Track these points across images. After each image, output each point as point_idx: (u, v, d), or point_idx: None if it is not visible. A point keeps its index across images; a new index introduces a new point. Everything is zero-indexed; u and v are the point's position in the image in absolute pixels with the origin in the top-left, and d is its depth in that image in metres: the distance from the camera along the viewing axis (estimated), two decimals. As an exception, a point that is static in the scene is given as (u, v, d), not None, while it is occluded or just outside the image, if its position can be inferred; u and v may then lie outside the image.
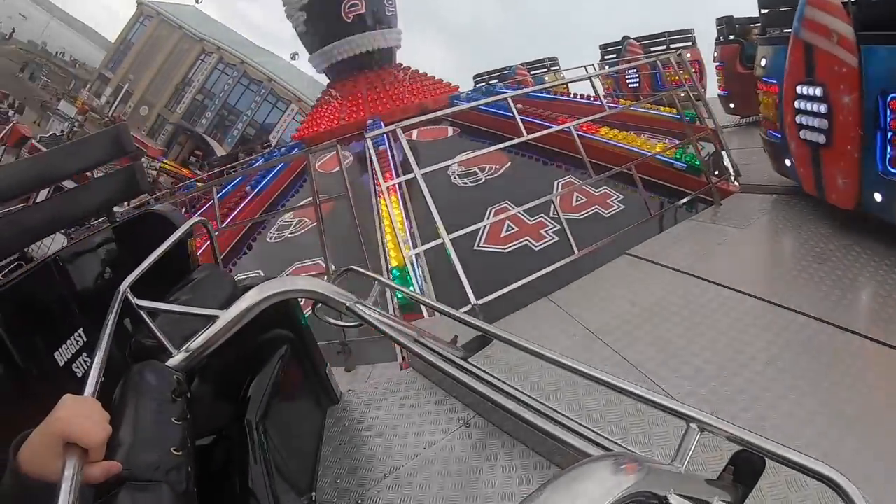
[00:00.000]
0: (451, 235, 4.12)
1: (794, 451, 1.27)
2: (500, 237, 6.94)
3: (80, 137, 2.71)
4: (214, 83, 42.16)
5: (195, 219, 2.47)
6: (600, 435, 1.96)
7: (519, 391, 2.04)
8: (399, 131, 4.40)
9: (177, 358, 1.80)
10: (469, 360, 2.38)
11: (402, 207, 7.69)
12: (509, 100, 4.94)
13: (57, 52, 45.56)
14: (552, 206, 4.98)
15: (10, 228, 2.36)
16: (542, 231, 6.70)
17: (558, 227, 5.69)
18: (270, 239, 9.63)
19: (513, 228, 6.98)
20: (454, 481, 2.28)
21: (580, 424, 2.01)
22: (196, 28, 41.78)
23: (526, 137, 4.71)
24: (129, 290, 1.92)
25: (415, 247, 6.55)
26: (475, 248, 6.71)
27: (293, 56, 38.53)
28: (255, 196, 11.63)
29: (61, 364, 2.34)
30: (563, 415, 2.03)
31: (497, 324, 3.91)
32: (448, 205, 7.05)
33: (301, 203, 9.25)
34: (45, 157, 2.61)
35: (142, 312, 1.87)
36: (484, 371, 2.17)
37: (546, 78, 17.98)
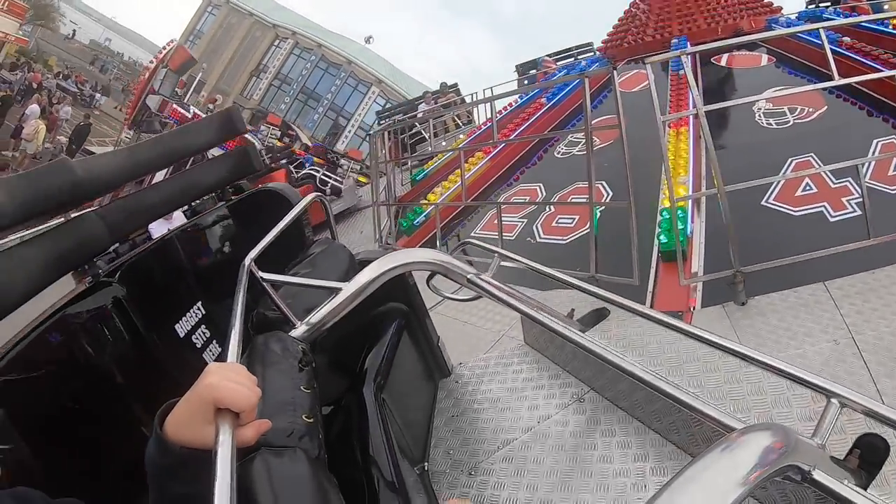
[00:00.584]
0: (730, 187, 3.79)
1: None
2: (793, 196, 5.98)
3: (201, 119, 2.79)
4: (291, 68, 42.06)
5: (312, 195, 2.51)
6: (725, 413, 1.90)
7: (636, 365, 1.99)
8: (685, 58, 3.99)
9: (299, 330, 1.84)
10: (586, 333, 2.34)
11: (691, 143, 7.22)
12: (821, 30, 4.34)
13: (118, 52, 47.02)
14: (862, 170, 4.30)
15: (133, 207, 2.47)
16: (844, 199, 5.60)
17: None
18: (559, 154, 9.55)
19: (811, 188, 5.97)
20: (568, 456, 2.25)
21: (702, 402, 1.95)
22: (267, 14, 41.77)
23: (837, 82, 4.20)
24: (253, 263, 1.96)
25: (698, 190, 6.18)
26: (762, 202, 5.94)
27: (368, 39, 38.43)
28: (551, 108, 11.61)
29: (181, 336, 2.45)
30: (683, 390, 1.97)
31: (755, 300, 3.69)
32: (745, 146, 6.56)
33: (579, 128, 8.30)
34: (164, 140, 2.71)
35: (266, 285, 1.91)
36: (599, 346, 2.14)
37: (886, 7, 13.40)
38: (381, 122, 19.13)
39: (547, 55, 19.12)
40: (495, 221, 7.02)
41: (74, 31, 43.77)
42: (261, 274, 1.93)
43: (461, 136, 15.89)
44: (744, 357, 1.54)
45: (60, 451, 1.62)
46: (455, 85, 23.28)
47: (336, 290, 1.89)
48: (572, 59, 18.38)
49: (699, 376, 2.25)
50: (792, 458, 0.99)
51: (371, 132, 8.93)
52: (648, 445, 2.17)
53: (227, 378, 1.00)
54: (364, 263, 2.10)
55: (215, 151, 2.81)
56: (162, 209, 2.56)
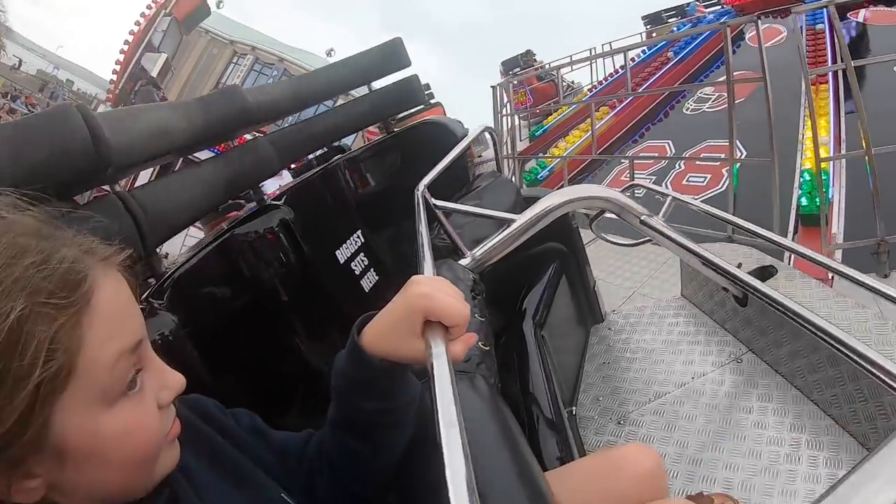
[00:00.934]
0: (879, 149, 3.67)
1: None
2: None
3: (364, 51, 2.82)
4: (254, 83, 40.08)
5: (482, 126, 2.47)
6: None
7: (825, 321, 1.87)
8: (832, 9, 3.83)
9: (466, 260, 1.82)
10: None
11: (831, 103, 6.89)
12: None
13: (67, 80, 47.21)
14: None
15: (300, 135, 2.52)
16: None
17: None
18: (687, 110, 9.37)
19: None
20: (722, 416, 2.17)
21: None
22: (223, 31, 40.15)
23: None
24: (426, 191, 1.95)
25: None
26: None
27: (329, 52, 37.54)
28: (679, 62, 11.36)
29: (341, 262, 2.48)
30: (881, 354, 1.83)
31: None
32: (886, 108, 6.22)
33: (720, 80, 7.77)
34: (328, 72, 2.74)
35: (438, 213, 1.90)
36: (767, 302, 2.02)
37: None
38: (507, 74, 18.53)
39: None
40: (623, 177, 6.80)
41: (20, 61, 44.35)
42: (433, 201, 1.91)
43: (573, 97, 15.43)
44: None
45: (225, 364, 1.65)
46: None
47: (508, 222, 1.85)
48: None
49: (886, 335, 2.11)
50: None
51: (495, 84, 8.64)
52: (805, 417, 2.06)
53: (439, 289, 0.93)
54: (529, 200, 2.05)
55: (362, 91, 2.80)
56: (327, 138, 2.61)
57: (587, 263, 2.74)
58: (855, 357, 1.38)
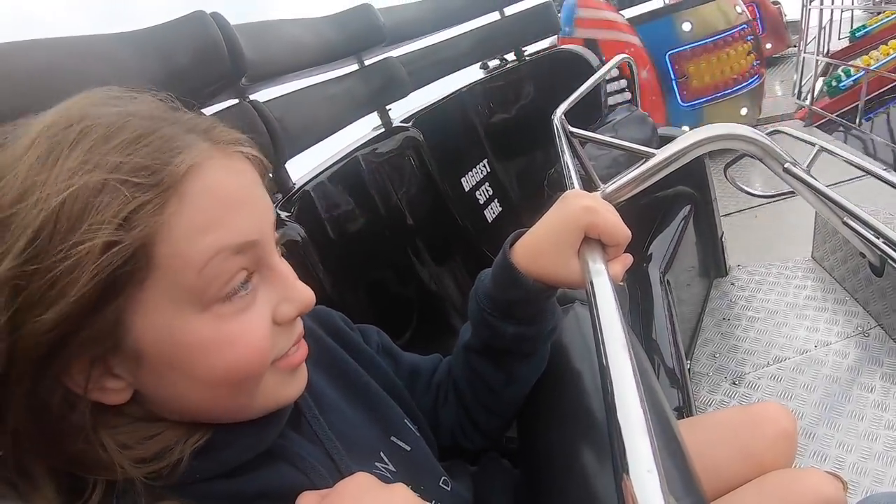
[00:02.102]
0: None
1: None
2: None
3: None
4: None
5: (621, 56, 2.37)
6: None
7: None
8: None
9: (598, 193, 1.73)
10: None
11: None
12: None
13: None
14: None
15: (432, 58, 2.53)
16: None
17: None
18: None
19: None
20: (842, 391, 2.06)
21: None
22: None
23: None
24: (563, 117, 1.89)
25: None
26: None
27: None
28: None
29: (466, 190, 2.47)
30: None
31: None
32: None
33: None
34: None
35: (575, 141, 1.83)
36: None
37: None
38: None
39: None
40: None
41: None
42: (571, 129, 1.84)
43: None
44: None
45: (348, 281, 1.67)
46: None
47: (645, 158, 1.77)
48: None
49: None
50: None
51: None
52: (931, 404, 1.94)
53: (605, 208, 0.86)
54: (665, 139, 1.96)
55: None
56: (460, 62, 2.58)
57: (717, 212, 2.64)
58: None
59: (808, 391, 2.09)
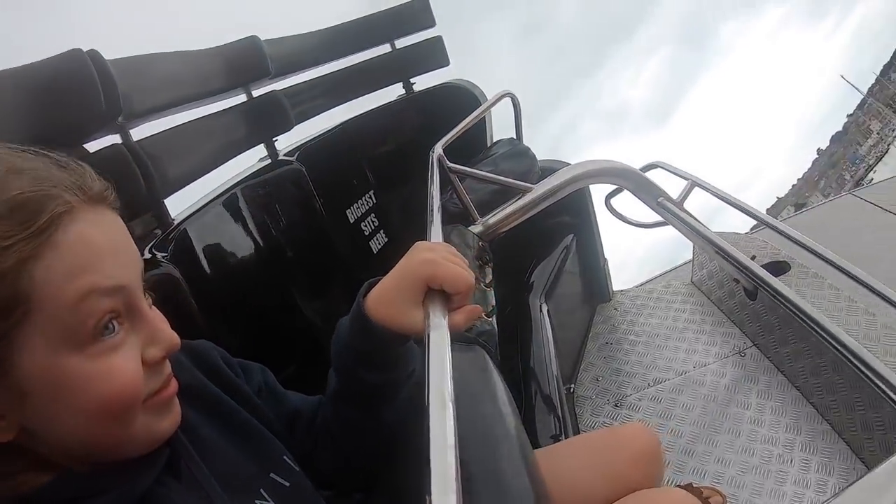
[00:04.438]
0: None
1: None
2: None
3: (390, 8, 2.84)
4: None
5: (504, 92, 2.47)
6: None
7: (834, 325, 1.88)
8: None
9: (477, 227, 1.82)
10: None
11: None
12: None
13: None
14: None
15: (317, 90, 2.55)
16: None
17: None
18: None
19: None
20: (719, 409, 2.21)
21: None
22: None
23: None
24: (442, 153, 1.96)
25: None
26: None
27: None
28: None
29: (351, 221, 2.51)
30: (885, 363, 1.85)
31: None
32: None
33: None
34: (352, 27, 2.75)
35: (452, 176, 1.90)
36: (779, 299, 2.04)
37: None
38: None
39: None
40: None
41: None
42: (449, 164, 1.91)
43: None
44: None
45: (229, 318, 1.67)
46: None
47: (523, 192, 1.86)
48: None
49: (887, 358, 2.14)
50: None
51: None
52: (803, 419, 2.10)
53: (444, 257, 0.93)
54: (546, 171, 2.07)
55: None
56: (345, 95, 2.62)
57: (600, 240, 2.77)
58: (858, 364, 1.41)
59: (687, 410, 2.23)
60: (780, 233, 1.90)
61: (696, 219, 1.95)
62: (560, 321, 2.34)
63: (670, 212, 1.94)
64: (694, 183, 2.07)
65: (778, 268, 2.50)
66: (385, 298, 0.93)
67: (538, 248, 2.45)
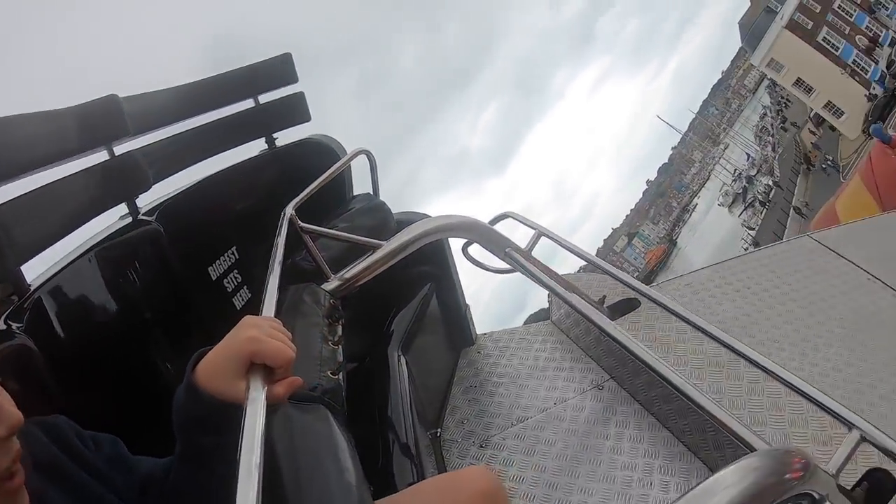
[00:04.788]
0: None
1: None
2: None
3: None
4: None
5: (359, 149, 2.55)
6: (743, 424, 1.96)
7: (661, 362, 2.04)
8: None
9: (331, 284, 1.88)
10: (615, 322, 2.41)
11: None
12: None
13: None
14: None
15: (176, 149, 2.55)
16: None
17: None
18: None
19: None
20: (580, 441, 2.34)
21: (720, 408, 2.01)
22: None
23: None
24: (294, 213, 2.02)
25: None
26: None
27: None
28: None
29: (213, 279, 2.51)
30: (704, 394, 2.02)
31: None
32: None
33: None
34: (214, 83, 2.77)
35: (304, 235, 1.96)
36: (627, 336, 2.19)
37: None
38: None
39: None
40: None
41: None
42: (301, 224, 1.98)
43: None
44: (771, 374, 1.59)
45: (88, 386, 1.66)
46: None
47: (374, 248, 1.95)
48: None
49: (721, 381, 2.32)
50: (808, 485, 1.04)
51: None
52: (660, 443, 2.26)
53: (266, 332, 1.02)
54: (402, 224, 2.16)
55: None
56: (207, 152, 2.62)
57: (459, 287, 2.88)
58: (681, 397, 1.56)
59: (550, 445, 2.35)
60: (610, 275, 2.06)
61: (542, 265, 2.09)
62: (424, 367, 2.43)
63: (517, 261, 2.07)
64: (540, 233, 2.21)
65: (629, 305, 2.67)
66: (212, 370, 1.01)
67: (397, 299, 2.52)
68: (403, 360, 2.25)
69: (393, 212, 2.65)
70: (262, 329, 1.02)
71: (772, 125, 74.78)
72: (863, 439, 1.35)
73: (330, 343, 1.59)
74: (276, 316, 1.53)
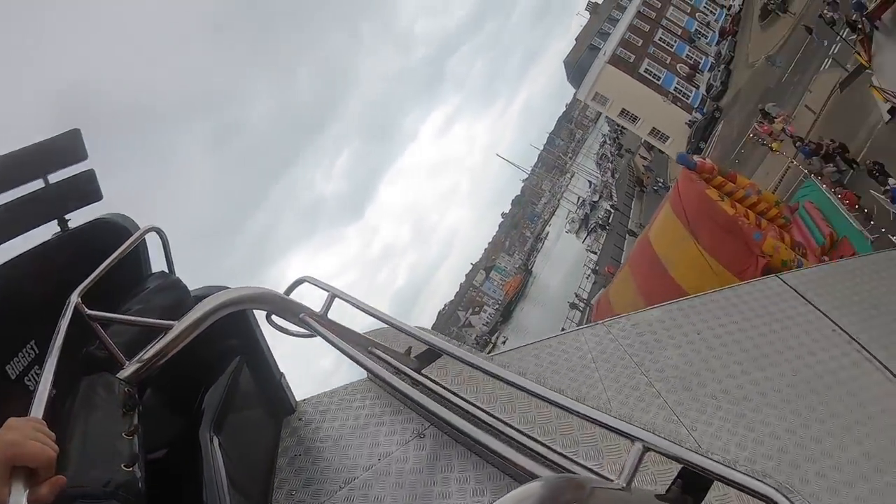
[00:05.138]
0: None
1: (734, 469, 1.37)
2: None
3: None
4: None
5: (148, 227, 2.51)
6: (551, 449, 2.06)
7: (471, 403, 2.12)
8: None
9: (128, 369, 1.85)
10: (423, 371, 2.46)
11: None
12: None
13: None
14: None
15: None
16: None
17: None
18: None
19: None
20: (408, 493, 2.37)
21: (531, 438, 2.10)
22: None
23: None
24: (79, 300, 1.96)
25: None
26: None
27: None
28: None
29: (13, 377, 2.37)
30: (514, 428, 2.12)
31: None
32: None
33: None
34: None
35: (93, 323, 1.92)
36: (436, 383, 2.25)
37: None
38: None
39: None
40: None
41: None
42: (87, 311, 1.93)
43: None
44: (551, 402, 1.68)
45: None
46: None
47: (166, 329, 1.92)
48: None
49: (531, 411, 2.42)
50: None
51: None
52: (486, 479, 2.32)
53: (24, 435, 1.02)
54: (199, 300, 2.13)
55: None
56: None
57: (271, 357, 2.84)
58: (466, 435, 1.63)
59: (379, 502, 2.37)
60: (403, 331, 2.13)
61: (339, 327, 2.13)
62: (244, 443, 2.39)
63: (311, 326, 2.09)
64: (334, 295, 2.25)
65: (432, 354, 2.73)
66: None
67: (205, 377, 2.46)
68: (216, 441, 2.19)
69: (211, 285, 2.58)
70: (21, 431, 1.02)
71: (610, 152, 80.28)
72: (646, 449, 1.46)
73: (124, 434, 1.56)
74: (65, 411, 1.50)
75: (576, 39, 61.69)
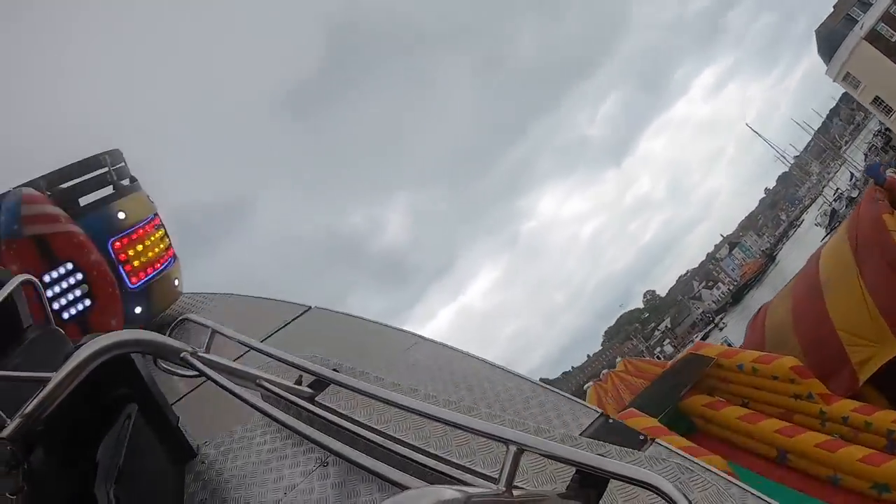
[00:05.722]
0: None
1: (616, 462, 1.48)
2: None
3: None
4: None
5: (21, 276, 2.48)
6: (448, 463, 2.14)
7: (365, 427, 2.17)
8: None
9: (10, 427, 1.78)
10: (317, 398, 2.51)
11: None
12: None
13: None
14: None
15: None
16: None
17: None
18: None
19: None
20: (320, 526, 2.36)
21: (426, 454, 2.18)
22: None
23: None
24: None
25: None
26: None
27: None
28: None
29: None
30: (408, 446, 2.19)
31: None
32: None
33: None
34: None
35: None
36: (329, 410, 2.29)
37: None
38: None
39: None
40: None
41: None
42: None
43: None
44: (426, 416, 1.77)
45: None
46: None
47: (44, 382, 1.88)
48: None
49: (424, 427, 2.51)
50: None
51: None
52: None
53: None
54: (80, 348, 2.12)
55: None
56: None
57: (164, 402, 2.82)
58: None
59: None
60: (285, 363, 2.17)
61: (224, 364, 2.16)
62: (145, 494, 2.36)
63: (193, 365, 2.11)
64: (214, 331, 2.29)
65: (321, 384, 2.78)
66: None
67: (98, 429, 2.44)
68: (112, 495, 2.18)
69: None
70: None
71: (878, 144, 68.77)
72: (521, 450, 1.56)
73: (7, 494, 1.55)
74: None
75: (834, 7, 52.32)
